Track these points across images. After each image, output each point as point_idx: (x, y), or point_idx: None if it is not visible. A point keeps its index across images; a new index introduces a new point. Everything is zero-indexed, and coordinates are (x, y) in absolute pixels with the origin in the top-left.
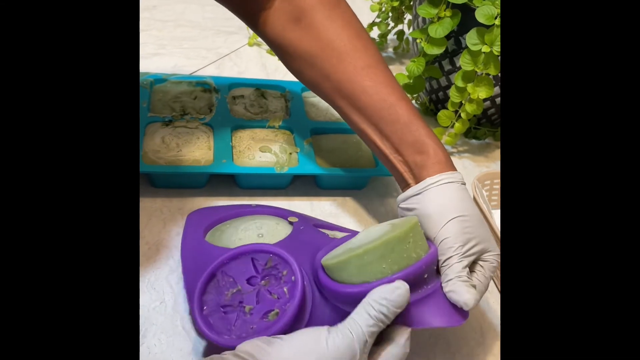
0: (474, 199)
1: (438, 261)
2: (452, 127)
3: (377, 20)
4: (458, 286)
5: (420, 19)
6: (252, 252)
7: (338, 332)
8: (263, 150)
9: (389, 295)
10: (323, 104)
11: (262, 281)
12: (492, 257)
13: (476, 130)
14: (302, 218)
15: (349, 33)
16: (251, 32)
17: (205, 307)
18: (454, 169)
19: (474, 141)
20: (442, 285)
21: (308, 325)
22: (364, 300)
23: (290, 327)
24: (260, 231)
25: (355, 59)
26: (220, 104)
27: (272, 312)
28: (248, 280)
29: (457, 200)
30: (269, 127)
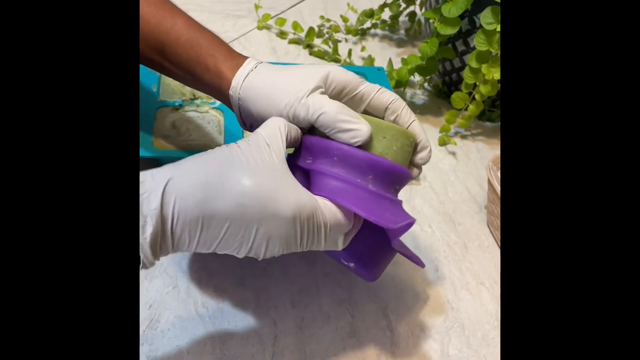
0: (488, 181)
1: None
2: (466, 109)
3: (389, 1)
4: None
5: None
6: None
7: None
8: None
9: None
10: None
11: None
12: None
13: (490, 112)
14: None
15: None
16: (260, 15)
17: None
18: (241, 58)
19: (488, 124)
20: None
21: None
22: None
23: None
24: None
25: None
26: None
27: None
28: None
29: (271, 74)
30: None
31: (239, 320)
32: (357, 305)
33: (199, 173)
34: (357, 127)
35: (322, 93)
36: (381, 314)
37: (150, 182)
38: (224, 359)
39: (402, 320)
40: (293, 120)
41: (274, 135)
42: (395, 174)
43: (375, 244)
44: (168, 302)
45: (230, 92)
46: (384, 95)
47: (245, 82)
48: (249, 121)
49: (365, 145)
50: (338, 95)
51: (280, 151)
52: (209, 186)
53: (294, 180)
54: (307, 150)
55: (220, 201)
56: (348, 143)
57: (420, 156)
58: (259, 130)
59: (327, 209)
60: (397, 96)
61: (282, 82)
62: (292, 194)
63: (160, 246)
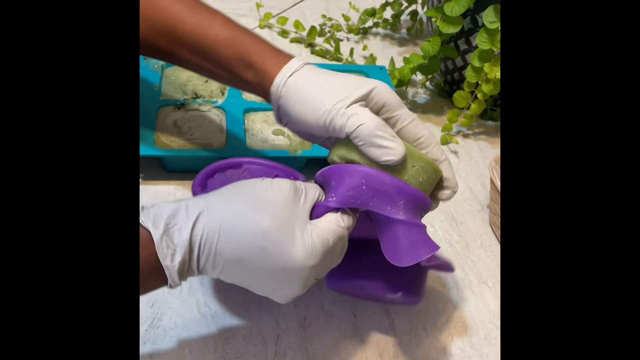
0: (491, 180)
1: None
2: (468, 108)
3: (390, 0)
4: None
5: None
6: (278, 169)
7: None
8: (276, 134)
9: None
10: None
11: None
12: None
13: (492, 111)
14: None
15: None
16: (262, 14)
17: (210, 180)
18: (286, 57)
19: (490, 122)
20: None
21: None
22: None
23: None
24: None
25: None
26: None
27: None
28: None
29: (315, 77)
30: None
31: (241, 319)
32: (359, 304)
33: (227, 210)
34: (392, 146)
35: (363, 106)
36: (383, 313)
37: (184, 214)
38: (226, 358)
39: (404, 320)
40: (328, 128)
41: (313, 188)
42: (422, 201)
43: (408, 272)
44: (170, 301)
45: (272, 88)
46: (416, 127)
47: (288, 81)
48: (286, 119)
49: (392, 169)
50: (376, 113)
51: (310, 203)
52: (233, 225)
53: (313, 229)
54: (328, 182)
55: (241, 242)
56: (379, 160)
57: (444, 192)
58: (300, 182)
59: (342, 246)
60: (429, 131)
61: (325, 88)
62: (310, 244)
63: (186, 271)
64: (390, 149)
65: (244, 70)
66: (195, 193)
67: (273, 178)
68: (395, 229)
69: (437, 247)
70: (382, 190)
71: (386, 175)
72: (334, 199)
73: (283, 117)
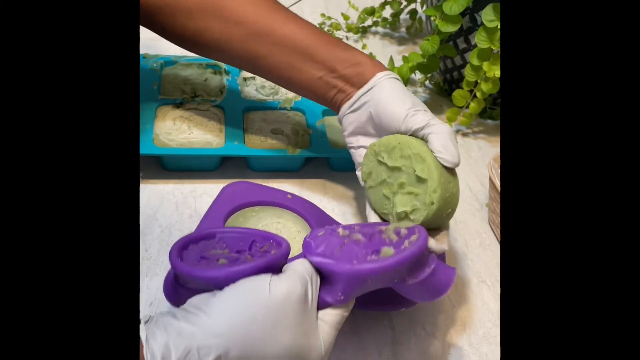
0: (490, 179)
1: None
2: (467, 107)
3: None
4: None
5: None
6: (256, 236)
7: (281, 275)
8: (275, 132)
9: None
10: None
11: (249, 255)
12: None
13: (492, 110)
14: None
15: None
16: None
17: (184, 252)
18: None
19: (489, 121)
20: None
21: None
22: None
23: None
24: (279, 234)
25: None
26: (231, 86)
27: None
28: (237, 252)
29: (406, 91)
30: (281, 108)
31: None
32: None
33: (242, 347)
34: (455, 149)
35: None
36: (383, 312)
37: (196, 356)
38: None
39: (403, 318)
40: (408, 118)
41: (315, 276)
42: (421, 258)
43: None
44: None
45: (377, 76)
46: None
47: (390, 78)
48: (364, 100)
49: (436, 169)
50: None
51: (316, 296)
52: (253, 352)
53: (323, 328)
54: (328, 273)
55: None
56: (437, 151)
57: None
58: (297, 267)
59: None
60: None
61: (416, 98)
62: (324, 348)
63: None
64: (453, 151)
65: (348, 67)
66: (173, 264)
67: (278, 275)
68: (411, 289)
69: (453, 270)
70: (386, 276)
71: (386, 262)
72: (342, 298)
73: (362, 98)
